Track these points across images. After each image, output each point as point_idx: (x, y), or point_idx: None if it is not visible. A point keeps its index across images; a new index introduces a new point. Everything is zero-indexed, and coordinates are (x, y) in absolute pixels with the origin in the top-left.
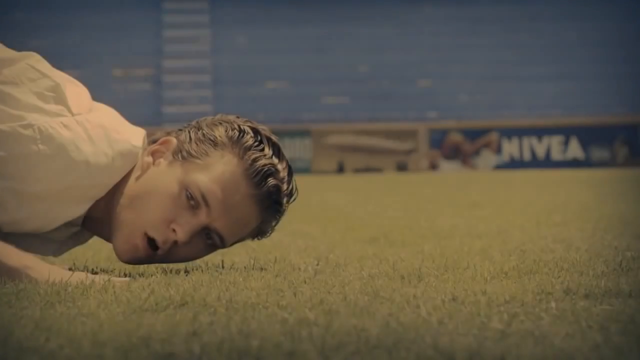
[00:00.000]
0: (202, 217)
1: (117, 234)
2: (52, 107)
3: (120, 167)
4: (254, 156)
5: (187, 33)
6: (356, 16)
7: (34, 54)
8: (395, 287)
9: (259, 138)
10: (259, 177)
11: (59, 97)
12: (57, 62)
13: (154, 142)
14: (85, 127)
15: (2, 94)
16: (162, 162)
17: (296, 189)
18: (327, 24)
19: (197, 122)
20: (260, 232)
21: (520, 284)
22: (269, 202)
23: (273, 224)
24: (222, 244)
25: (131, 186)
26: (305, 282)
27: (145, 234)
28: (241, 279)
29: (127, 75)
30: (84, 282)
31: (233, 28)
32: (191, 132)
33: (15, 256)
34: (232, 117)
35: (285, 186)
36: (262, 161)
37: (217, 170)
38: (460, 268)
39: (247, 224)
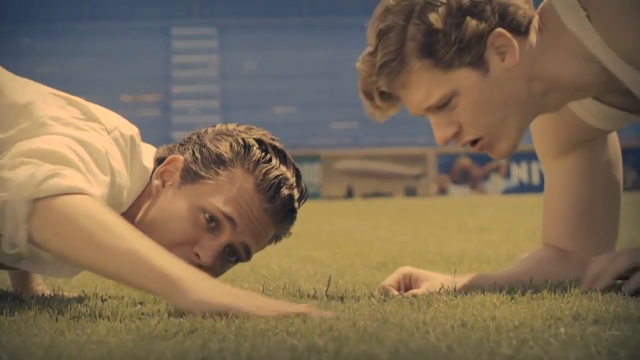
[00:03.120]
0: (224, 237)
1: None
2: (89, 124)
3: (137, 189)
4: (264, 170)
5: (196, 59)
6: (364, 41)
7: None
8: (404, 312)
9: (265, 148)
10: (272, 190)
11: (91, 117)
12: (66, 89)
13: (159, 161)
14: (121, 144)
15: (47, 117)
16: (173, 184)
17: (305, 189)
18: (335, 48)
19: (199, 137)
20: (277, 237)
21: (529, 309)
22: (284, 212)
23: (289, 228)
24: (248, 257)
25: (146, 212)
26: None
27: None
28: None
29: (136, 101)
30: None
31: (241, 53)
32: (195, 149)
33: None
34: (232, 127)
35: (296, 191)
36: (273, 173)
37: (231, 190)
38: (469, 293)
39: (267, 234)
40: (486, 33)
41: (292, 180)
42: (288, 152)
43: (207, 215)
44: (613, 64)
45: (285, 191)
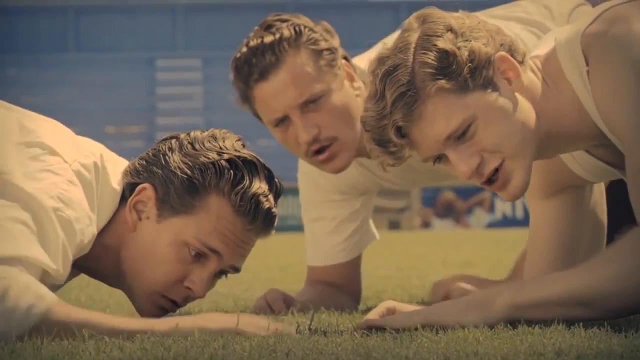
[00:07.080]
0: (212, 266)
1: (138, 302)
2: (48, 158)
3: (108, 213)
4: (240, 192)
5: (180, 90)
6: None
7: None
8: (387, 347)
9: (233, 165)
10: (252, 210)
11: (51, 151)
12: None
13: (130, 186)
14: (84, 176)
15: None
16: (150, 218)
17: (279, 184)
18: None
19: (165, 159)
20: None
21: (512, 344)
22: (266, 223)
23: (273, 228)
24: (238, 272)
25: (130, 253)
26: (298, 342)
27: (165, 296)
28: (233, 339)
29: (120, 133)
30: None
31: (226, 85)
32: (165, 176)
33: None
34: (197, 142)
35: (272, 197)
36: (249, 193)
37: (210, 220)
38: (452, 328)
39: (252, 246)
40: (492, 56)
41: (265, 187)
42: (255, 156)
43: (191, 251)
44: (601, 124)
45: (264, 204)
